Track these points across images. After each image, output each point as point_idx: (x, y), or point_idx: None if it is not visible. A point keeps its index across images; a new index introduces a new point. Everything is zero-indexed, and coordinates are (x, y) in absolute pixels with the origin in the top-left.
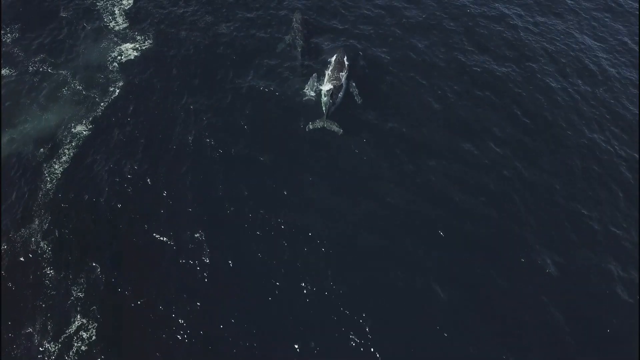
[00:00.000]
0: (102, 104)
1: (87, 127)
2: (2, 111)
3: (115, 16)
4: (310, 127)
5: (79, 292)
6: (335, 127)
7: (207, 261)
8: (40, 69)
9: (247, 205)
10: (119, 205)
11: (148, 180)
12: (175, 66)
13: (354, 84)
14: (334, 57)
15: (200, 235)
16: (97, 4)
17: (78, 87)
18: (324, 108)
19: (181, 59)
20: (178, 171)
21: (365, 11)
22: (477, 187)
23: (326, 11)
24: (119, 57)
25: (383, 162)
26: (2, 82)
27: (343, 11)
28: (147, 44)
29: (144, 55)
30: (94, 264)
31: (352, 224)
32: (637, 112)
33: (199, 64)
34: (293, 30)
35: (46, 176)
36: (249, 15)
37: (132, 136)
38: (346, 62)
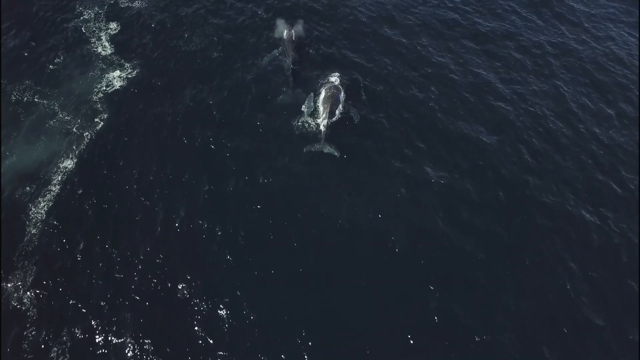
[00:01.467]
0: (89, 136)
1: (73, 162)
2: None
3: (102, 41)
4: (309, 149)
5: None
6: (333, 150)
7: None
8: (25, 99)
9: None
10: (108, 248)
11: (138, 218)
12: (164, 95)
13: (350, 103)
14: (329, 81)
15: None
16: (84, 28)
17: (64, 118)
18: (322, 130)
19: (170, 87)
20: (171, 208)
21: (365, 28)
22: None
23: (321, 26)
24: (106, 86)
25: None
26: None
27: (339, 25)
28: (134, 72)
29: (131, 84)
30: (82, 323)
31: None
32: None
33: (188, 92)
34: (284, 45)
35: (32, 218)
36: (239, 40)
37: (120, 171)
38: (341, 87)
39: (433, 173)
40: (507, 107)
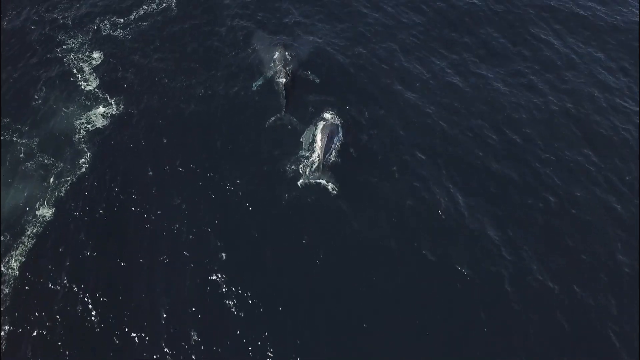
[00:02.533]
0: (69, 180)
1: (51, 211)
2: None
3: (85, 74)
4: (305, 181)
5: None
6: (331, 183)
7: None
8: (1, 137)
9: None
10: (90, 316)
11: (120, 277)
12: (148, 135)
13: (342, 133)
14: (325, 117)
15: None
16: (66, 59)
17: (44, 161)
18: (320, 157)
19: (154, 126)
20: (153, 262)
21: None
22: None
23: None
24: (88, 124)
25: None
26: None
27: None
28: (119, 108)
29: (115, 122)
30: None
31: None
32: None
33: (174, 130)
34: (275, 67)
35: (4, 274)
36: (227, 72)
37: (101, 222)
38: (338, 123)
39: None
40: (520, 140)
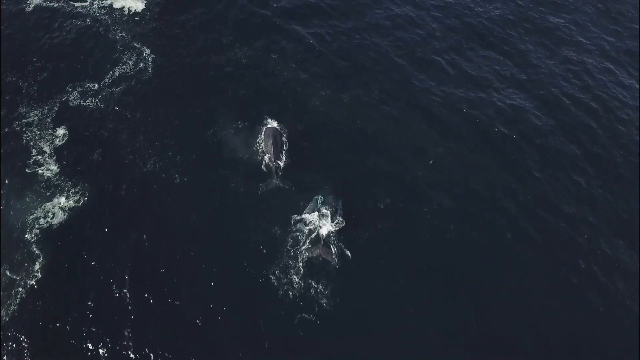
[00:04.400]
0: (21, 290)
1: None
2: None
3: (45, 155)
4: (307, 254)
5: None
6: (330, 257)
7: None
8: None
9: None
10: None
11: None
12: (114, 235)
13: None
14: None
15: None
16: (25, 135)
17: None
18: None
19: (122, 222)
20: None
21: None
22: None
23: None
24: (44, 219)
25: None
26: None
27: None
28: (82, 199)
29: (76, 217)
30: None
31: None
32: None
33: (144, 226)
34: (266, 146)
35: None
36: (207, 152)
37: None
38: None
39: None
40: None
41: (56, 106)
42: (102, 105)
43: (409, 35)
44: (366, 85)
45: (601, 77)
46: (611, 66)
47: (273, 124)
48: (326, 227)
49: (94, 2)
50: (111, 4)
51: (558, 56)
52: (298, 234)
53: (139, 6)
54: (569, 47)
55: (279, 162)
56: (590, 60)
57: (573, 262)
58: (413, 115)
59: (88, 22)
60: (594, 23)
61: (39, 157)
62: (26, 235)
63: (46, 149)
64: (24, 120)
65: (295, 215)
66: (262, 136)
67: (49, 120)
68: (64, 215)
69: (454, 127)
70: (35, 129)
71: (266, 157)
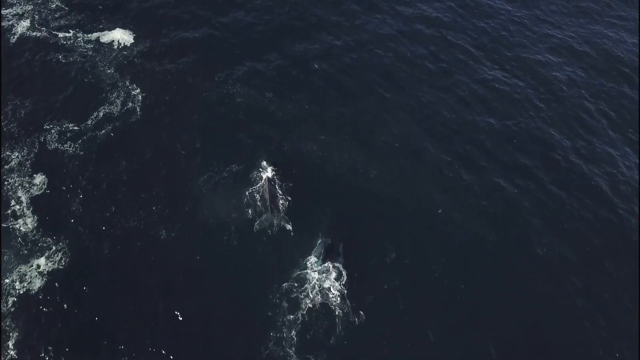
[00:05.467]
0: None
1: None
2: None
3: (23, 206)
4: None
5: None
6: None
7: None
8: None
9: None
10: None
11: None
12: (98, 305)
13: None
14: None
15: None
16: (4, 183)
17: None
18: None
19: (106, 286)
20: None
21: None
22: None
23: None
24: (20, 284)
25: None
26: None
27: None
28: (62, 260)
29: (56, 281)
30: None
31: None
32: None
33: (129, 292)
34: (262, 196)
35: None
36: (196, 205)
37: None
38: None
39: None
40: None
41: (35, 148)
42: (82, 152)
43: (411, 76)
44: (369, 130)
45: None
46: None
47: (268, 170)
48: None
49: (79, 35)
50: (98, 37)
51: None
52: (296, 294)
53: (128, 40)
54: None
55: (275, 210)
56: None
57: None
58: (420, 165)
59: (74, 57)
60: None
61: (18, 206)
62: (3, 301)
63: (23, 198)
64: (6, 166)
65: (295, 270)
66: (259, 183)
67: (28, 164)
68: (42, 280)
69: (462, 180)
70: (14, 175)
71: (262, 204)
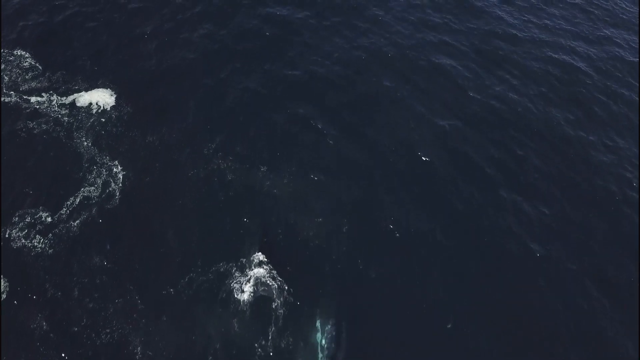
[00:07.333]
0: None
1: None
2: None
3: None
4: None
5: None
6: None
7: None
8: None
9: None
10: None
11: None
12: None
13: None
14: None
15: None
16: None
17: None
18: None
19: None
20: None
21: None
22: None
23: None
24: None
25: None
26: None
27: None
28: None
29: None
30: None
31: None
32: None
33: None
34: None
35: None
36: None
37: None
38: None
39: None
40: None
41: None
42: (52, 250)
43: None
44: (369, 213)
45: None
46: None
47: (260, 270)
48: None
49: (52, 98)
50: (74, 100)
51: None
52: None
53: (108, 102)
54: None
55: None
56: None
57: None
58: (426, 269)
59: (48, 125)
60: None
61: None
62: None
63: None
64: None
65: None
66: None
67: None
68: None
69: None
70: None
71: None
